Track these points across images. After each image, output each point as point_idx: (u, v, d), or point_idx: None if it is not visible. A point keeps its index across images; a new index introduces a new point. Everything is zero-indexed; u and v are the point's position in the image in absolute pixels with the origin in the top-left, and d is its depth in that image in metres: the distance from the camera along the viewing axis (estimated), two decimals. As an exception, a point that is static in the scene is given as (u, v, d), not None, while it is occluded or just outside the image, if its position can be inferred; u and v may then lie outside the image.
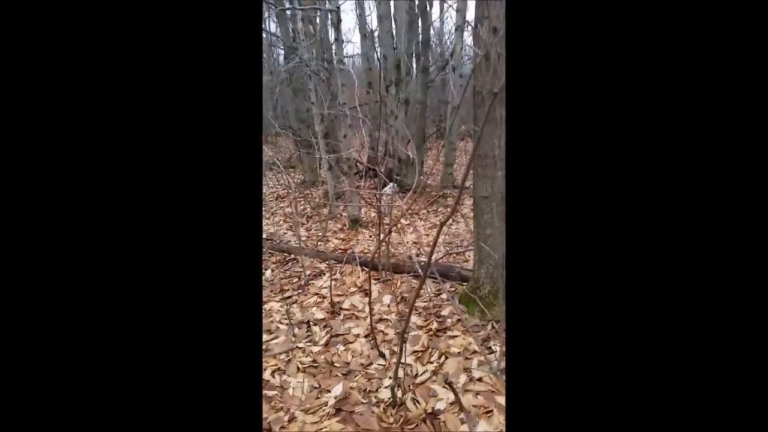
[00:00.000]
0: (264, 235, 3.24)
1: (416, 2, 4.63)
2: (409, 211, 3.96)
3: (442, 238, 3.19)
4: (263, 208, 4.15)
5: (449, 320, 1.91)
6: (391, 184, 4.40)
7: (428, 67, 5.01)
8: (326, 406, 1.38)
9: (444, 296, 2.12)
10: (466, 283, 2.19)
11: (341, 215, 3.58)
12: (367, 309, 2.04)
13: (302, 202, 4.18)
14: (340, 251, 2.81)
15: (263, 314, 2.00)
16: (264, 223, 3.69)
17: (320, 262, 2.58)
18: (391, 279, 2.28)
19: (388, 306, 2.04)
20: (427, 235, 3.32)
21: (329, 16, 3.64)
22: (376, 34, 4.53)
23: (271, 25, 5.47)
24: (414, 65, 5.15)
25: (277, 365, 1.60)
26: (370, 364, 1.61)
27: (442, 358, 1.63)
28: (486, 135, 1.71)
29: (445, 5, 6.24)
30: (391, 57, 4.29)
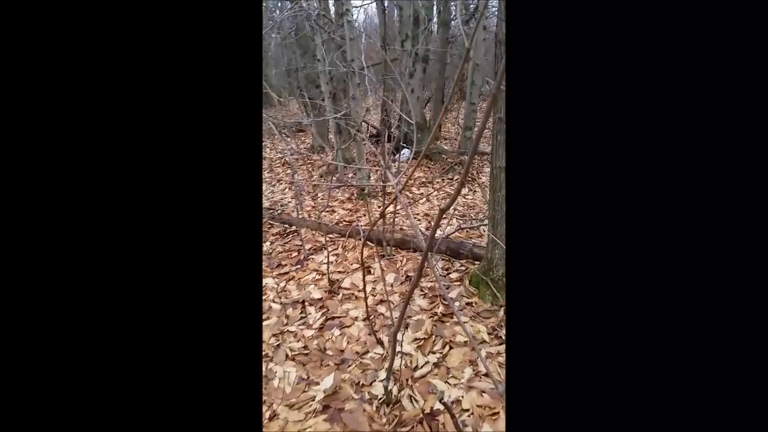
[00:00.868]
0: (265, 204, 3.09)
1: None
2: (423, 179, 3.72)
3: (453, 210, 2.96)
4: (268, 174, 3.98)
5: (457, 303, 1.74)
6: (406, 150, 4.13)
7: (449, 21, 4.56)
8: (313, 401, 1.25)
9: (453, 276, 1.94)
10: (478, 263, 2.00)
11: (349, 184, 3.38)
12: (368, 288, 1.88)
13: (310, 170, 3.99)
14: (344, 224, 2.64)
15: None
16: (269, 191, 3.54)
17: (322, 236, 2.42)
18: (394, 256, 2.11)
19: (392, 286, 1.88)
20: (440, 205, 3.10)
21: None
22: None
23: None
24: (435, 17, 4.70)
25: (264, 352, 1.47)
26: (366, 352, 1.46)
27: (447, 348, 1.47)
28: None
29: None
30: (406, 8, 3.88)
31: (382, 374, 1.34)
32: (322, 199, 3.13)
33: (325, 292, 1.82)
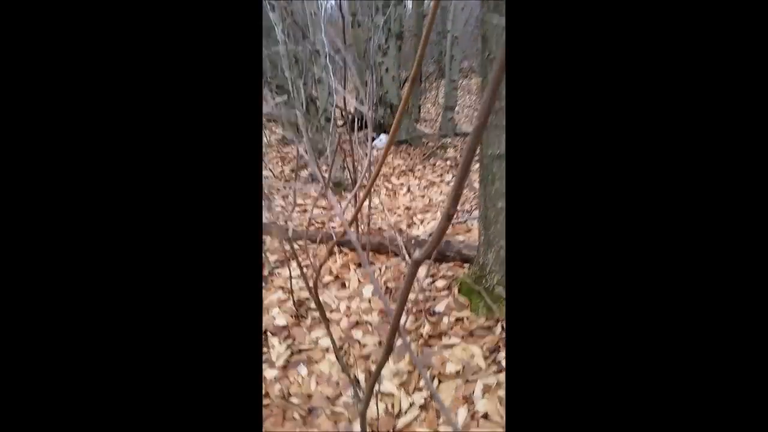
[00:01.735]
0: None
1: None
2: (403, 167, 3.43)
3: (440, 197, 2.70)
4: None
5: (445, 319, 1.49)
6: (381, 136, 3.82)
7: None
8: (270, 474, 0.99)
9: (439, 284, 1.69)
10: (467, 265, 1.74)
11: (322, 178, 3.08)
12: (342, 307, 1.62)
13: (280, 164, 3.66)
14: (316, 225, 2.35)
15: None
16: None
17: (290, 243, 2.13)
18: (372, 264, 1.84)
19: (369, 302, 1.61)
20: (422, 196, 2.82)
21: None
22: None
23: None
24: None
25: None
26: (339, 395, 1.21)
27: (435, 382, 1.22)
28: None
29: None
30: (373, -23, 3.51)
31: (357, 426, 1.09)
32: (290, 199, 2.82)
33: (291, 316, 1.55)
